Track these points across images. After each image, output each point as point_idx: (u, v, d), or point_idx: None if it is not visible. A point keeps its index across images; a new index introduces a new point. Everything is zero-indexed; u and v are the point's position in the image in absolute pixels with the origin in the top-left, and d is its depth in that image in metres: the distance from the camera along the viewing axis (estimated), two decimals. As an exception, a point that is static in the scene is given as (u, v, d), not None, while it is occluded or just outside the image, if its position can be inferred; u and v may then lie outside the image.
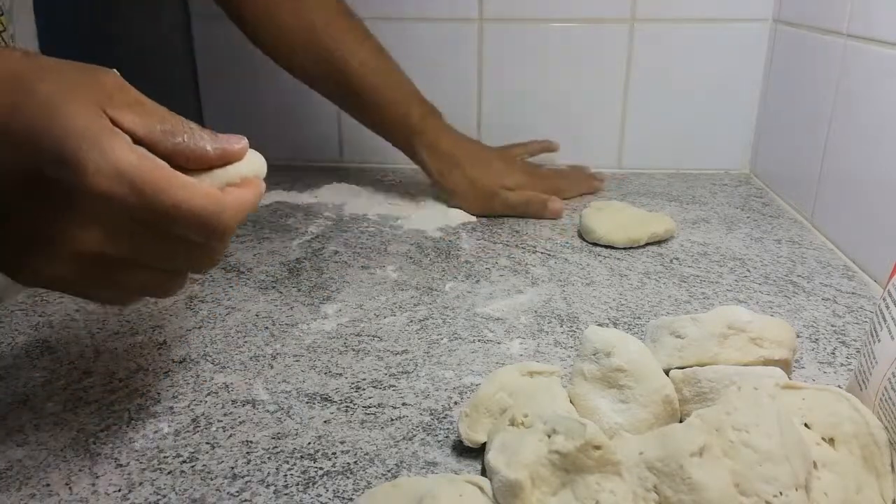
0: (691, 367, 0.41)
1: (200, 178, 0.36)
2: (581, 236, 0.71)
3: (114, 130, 0.33)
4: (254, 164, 0.38)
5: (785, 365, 0.42)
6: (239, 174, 0.37)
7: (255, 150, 0.39)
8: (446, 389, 0.46)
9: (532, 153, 0.87)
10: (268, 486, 0.38)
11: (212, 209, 0.34)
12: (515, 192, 0.78)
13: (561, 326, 0.54)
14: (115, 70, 0.35)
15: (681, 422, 0.38)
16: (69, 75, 0.34)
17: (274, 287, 0.61)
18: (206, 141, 0.36)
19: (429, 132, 0.77)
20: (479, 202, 0.78)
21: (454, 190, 0.78)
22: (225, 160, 0.36)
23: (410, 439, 0.42)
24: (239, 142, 0.37)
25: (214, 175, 0.36)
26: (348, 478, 0.39)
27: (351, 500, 0.37)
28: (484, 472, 0.37)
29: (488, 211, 0.78)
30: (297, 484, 0.38)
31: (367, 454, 0.40)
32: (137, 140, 0.34)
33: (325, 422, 0.43)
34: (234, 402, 0.45)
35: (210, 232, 0.35)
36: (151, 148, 0.34)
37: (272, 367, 0.49)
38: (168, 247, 0.35)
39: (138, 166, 0.32)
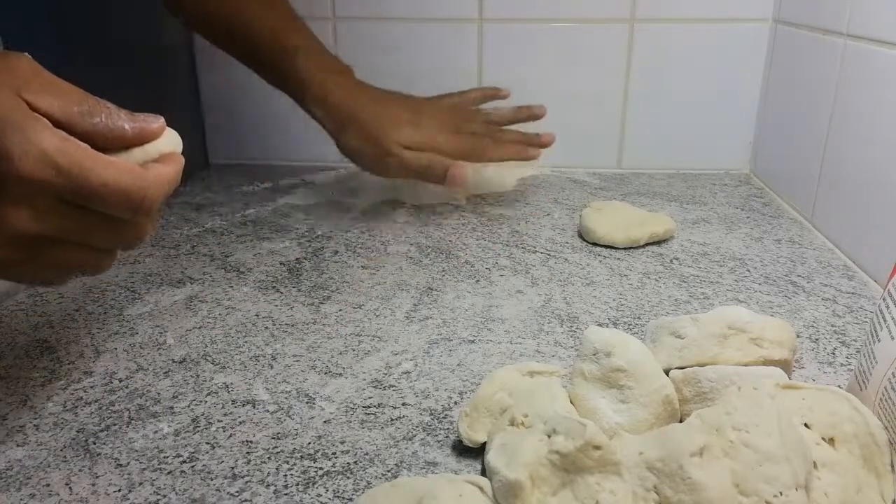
0: (691, 367, 0.41)
1: (119, 157, 0.36)
2: (581, 236, 0.71)
3: (34, 115, 0.34)
4: (171, 140, 0.39)
5: (785, 365, 0.42)
6: (157, 151, 0.38)
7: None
8: (446, 389, 0.46)
9: (472, 103, 0.77)
10: (268, 486, 0.38)
11: (137, 185, 0.35)
12: (416, 153, 0.69)
13: (561, 326, 0.54)
14: (26, 54, 0.36)
15: (681, 422, 0.38)
16: None
17: (274, 287, 0.61)
18: (123, 120, 0.37)
19: (316, 84, 0.69)
20: (373, 162, 0.71)
21: (349, 148, 0.70)
22: (143, 139, 0.37)
23: (410, 439, 0.42)
24: (156, 121, 0.38)
25: (133, 154, 0.37)
26: (348, 478, 0.39)
27: (351, 500, 0.37)
28: (484, 472, 0.37)
29: (384, 173, 0.72)
30: (297, 484, 0.38)
31: (367, 454, 0.40)
32: (55, 122, 0.34)
33: (325, 422, 0.43)
34: (234, 402, 0.45)
35: (136, 208, 0.36)
36: (70, 129, 0.35)
37: (272, 367, 0.49)
38: (97, 224, 0.36)
39: (62, 148, 0.33)
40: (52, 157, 0.33)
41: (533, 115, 0.77)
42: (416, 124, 0.70)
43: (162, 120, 0.38)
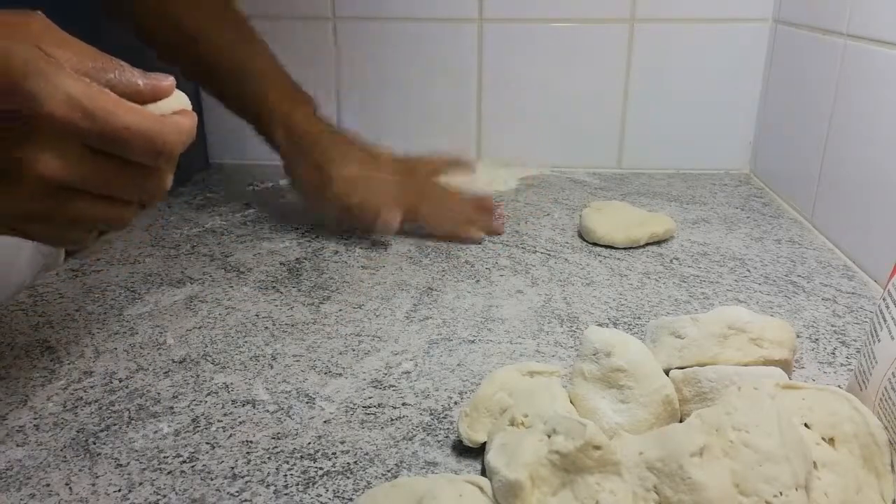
0: (691, 367, 0.41)
1: None
2: (581, 236, 0.71)
3: (55, 61, 0.34)
4: (180, 100, 0.39)
5: (785, 365, 0.42)
6: (169, 108, 0.38)
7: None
8: (446, 389, 0.46)
9: (438, 172, 0.74)
10: (268, 486, 0.38)
11: (158, 130, 0.36)
12: (352, 189, 0.67)
13: (561, 326, 0.54)
14: (40, 12, 0.36)
15: (681, 422, 0.38)
16: (5, 20, 0.34)
17: (274, 287, 0.61)
18: (137, 77, 0.37)
19: (284, 113, 0.69)
20: (313, 190, 0.69)
21: (296, 174, 0.70)
22: (155, 95, 0.38)
23: (410, 439, 0.42)
24: (167, 79, 0.39)
25: (147, 109, 0.38)
26: (348, 478, 0.39)
27: (351, 500, 0.37)
28: (484, 472, 0.37)
29: (320, 203, 0.69)
30: (297, 484, 0.38)
31: (367, 454, 0.40)
32: None
33: (325, 422, 0.43)
34: (234, 402, 0.45)
35: (158, 152, 0.37)
36: None
37: (272, 367, 0.49)
38: (120, 173, 0.37)
39: (87, 92, 0.34)
40: (78, 99, 0.34)
41: (494, 230, 0.72)
42: (366, 164, 0.69)
43: (172, 79, 0.39)
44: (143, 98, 0.37)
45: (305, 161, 0.69)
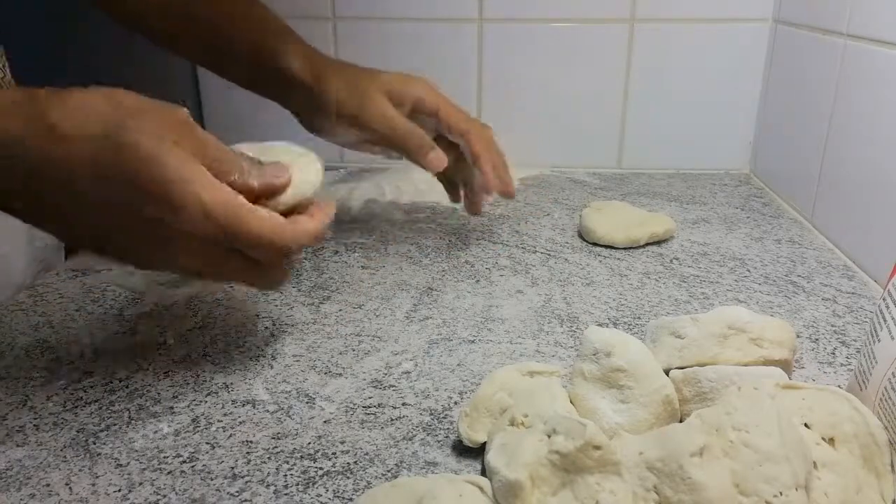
0: (691, 367, 0.41)
1: None
2: (581, 236, 0.71)
3: (199, 167, 0.39)
4: (296, 192, 0.44)
5: (785, 365, 0.42)
6: (283, 204, 0.43)
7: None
8: (446, 389, 0.46)
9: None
10: (268, 486, 0.38)
11: (280, 236, 0.41)
12: (401, 116, 0.62)
13: (561, 326, 0.54)
14: (184, 109, 0.40)
15: (681, 422, 0.38)
16: (153, 118, 0.38)
17: (274, 287, 0.61)
18: (253, 178, 0.42)
19: (302, 47, 0.63)
20: (351, 111, 0.61)
21: (324, 100, 0.62)
22: (268, 195, 0.42)
23: (410, 439, 0.42)
24: (282, 176, 0.43)
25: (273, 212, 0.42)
26: (348, 478, 0.39)
27: (351, 500, 0.37)
28: (484, 472, 0.37)
29: (363, 124, 0.62)
30: (297, 484, 0.38)
31: (367, 454, 0.40)
32: None
33: (325, 422, 0.43)
34: (234, 402, 0.45)
35: (281, 254, 0.42)
36: None
37: (272, 367, 0.49)
38: (247, 266, 0.42)
39: (223, 206, 0.39)
40: (213, 213, 0.38)
41: (507, 191, 0.67)
42: (405, 76, 0.64)
43: (287, 175, 0.43)
44: (258, 196, 0.42)
45: (333, 80, 0.62)
